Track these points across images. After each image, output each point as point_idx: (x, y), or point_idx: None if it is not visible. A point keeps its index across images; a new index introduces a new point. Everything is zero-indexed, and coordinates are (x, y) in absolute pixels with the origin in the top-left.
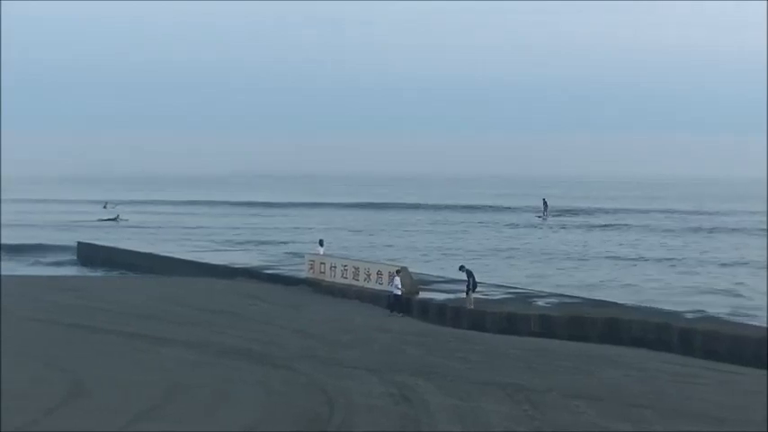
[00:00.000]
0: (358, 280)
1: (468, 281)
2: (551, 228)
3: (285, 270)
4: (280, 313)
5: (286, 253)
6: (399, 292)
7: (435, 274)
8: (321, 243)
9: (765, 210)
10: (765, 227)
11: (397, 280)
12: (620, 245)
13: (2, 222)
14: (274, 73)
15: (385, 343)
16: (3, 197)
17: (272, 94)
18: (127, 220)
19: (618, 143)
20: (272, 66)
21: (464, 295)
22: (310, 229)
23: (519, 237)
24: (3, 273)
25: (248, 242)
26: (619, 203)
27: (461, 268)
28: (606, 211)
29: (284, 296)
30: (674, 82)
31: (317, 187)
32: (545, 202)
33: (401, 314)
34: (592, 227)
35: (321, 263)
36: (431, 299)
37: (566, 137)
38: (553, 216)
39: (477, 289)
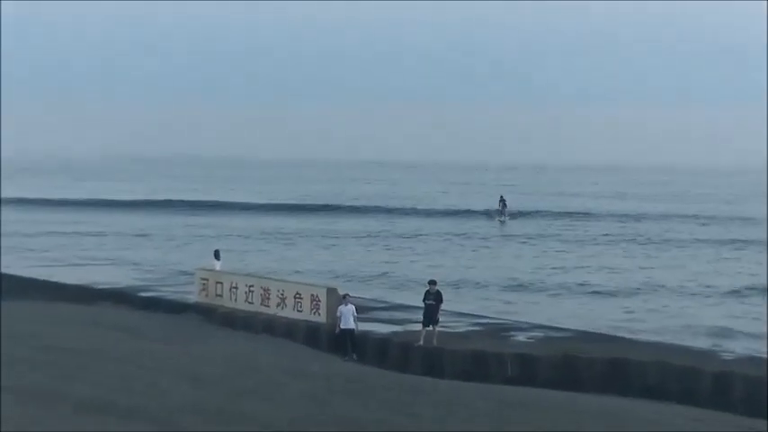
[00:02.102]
0: (269, 305)
1: (431, 307)
2: (514, 237)
3: (168, 292)
4: (159, 351)
5: (170, 268)
6: (352, 326)
7: (373, 297)
8: (217, 255)
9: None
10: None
11: (351, 308)
12: (621, 259)
13: None
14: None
15: (303, 392)
16: None
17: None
18: None
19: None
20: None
21: (419, 327)
22: (193, 237)
23: (481, 249)
24: None
25: (120, 255)
26: (602, 203)
27: (432, 284)
28: (587, 215)
29: (166, 328)
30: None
31: (225, 178)
32: (503, 201)
33: (354, 354)
34: (579, 240)
35: (217, 282)
36: (368, 331)
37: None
38: (513, 218)
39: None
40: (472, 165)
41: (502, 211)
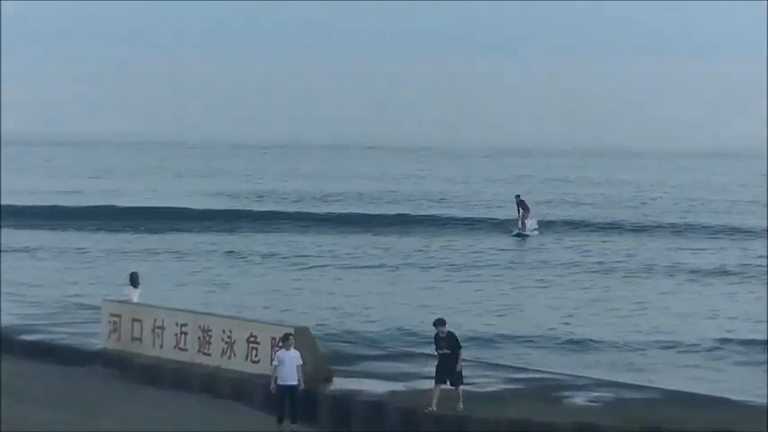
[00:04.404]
0: (209, 353)
1: (447, 359)
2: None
3: (62, 334)
4: (49, 422)
5: (65, 300)
6: (296, 381)
7: (362, 341)
8: (135, 281)
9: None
10: None
11: (295, 354)
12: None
13: None
14: None
15: None
16: None
17: None
18: None
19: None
20: None
21: (430, 384)
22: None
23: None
24: None
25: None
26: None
27: (439, 326)
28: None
29: (59, 387)
30: None
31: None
32: (521, 204)
33: (294, 423)
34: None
35: (135, 319)
36: (356, 391)
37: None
38: (540, 231)
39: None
40: (508, 149)
41: (520, 220)
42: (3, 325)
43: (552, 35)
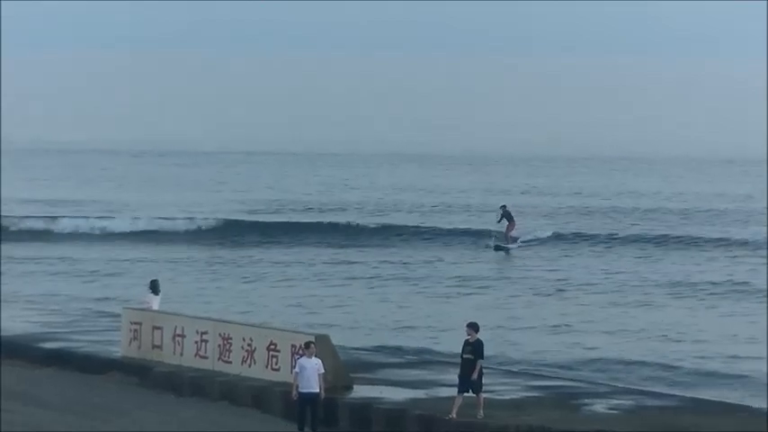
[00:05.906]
0: (230, 360)
1: (468, 364)
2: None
3: (82, 342)
4: (68, 427)
5: (85, 307)
6: (317, 389)
7: (380, 349)
8: (155, 288)
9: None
10: None
11: (317, 362)
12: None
13: None
14: None
15: None
16: None
17: None
18: None
19: None
20: None
21: (451, 392)
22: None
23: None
24: None
25: (11, 289)
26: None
27: (471, 330)
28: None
29: (78, 394)
30: None
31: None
32: (506, 214)
33: (315, 431)
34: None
35: (155, 327)
36: (376, 399)
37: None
38: (526, 243)
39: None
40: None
41: (504, 232)
42: (22, 333)
43: (552, 35)
